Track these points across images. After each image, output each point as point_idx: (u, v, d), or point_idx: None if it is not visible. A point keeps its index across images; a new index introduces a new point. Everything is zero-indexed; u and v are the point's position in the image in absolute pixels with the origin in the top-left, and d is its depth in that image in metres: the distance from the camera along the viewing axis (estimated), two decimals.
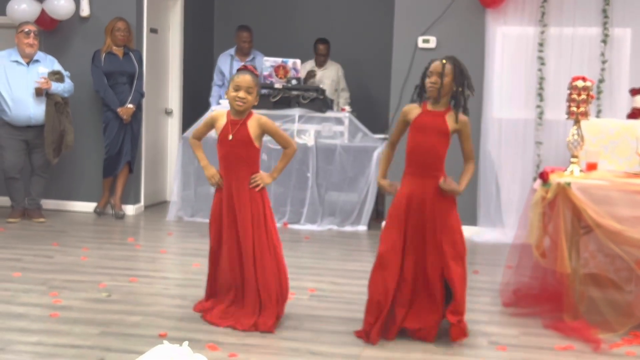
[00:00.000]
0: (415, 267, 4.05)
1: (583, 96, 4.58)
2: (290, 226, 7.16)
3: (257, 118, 4.25)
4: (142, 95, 7.47)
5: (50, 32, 7.52)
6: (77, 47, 7.55)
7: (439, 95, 3.98)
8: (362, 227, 7.14)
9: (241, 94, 4.17)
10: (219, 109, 7.36)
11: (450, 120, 4.01)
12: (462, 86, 4.00)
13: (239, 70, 4.29)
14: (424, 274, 4.04)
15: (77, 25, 7.55)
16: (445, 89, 3.98)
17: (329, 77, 8.39)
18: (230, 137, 4.20)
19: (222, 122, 4.26)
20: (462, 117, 4.01)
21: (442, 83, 3.95)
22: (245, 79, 4.18)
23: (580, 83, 4.59)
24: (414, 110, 4.10)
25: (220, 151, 4.28)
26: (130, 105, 7.29)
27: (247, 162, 4.25)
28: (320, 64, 8.40)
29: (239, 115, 4.23)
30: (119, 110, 7.24)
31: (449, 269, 3.97)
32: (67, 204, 7.68)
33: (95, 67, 7.28)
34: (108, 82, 7.27)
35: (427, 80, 4.01)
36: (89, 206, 7.63)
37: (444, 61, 3.99)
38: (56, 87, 6.91)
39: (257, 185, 4.24)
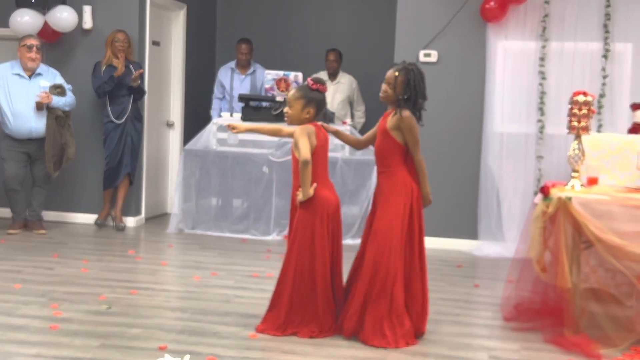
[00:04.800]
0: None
1: (584, 111, 4.59)
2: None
3: (300, 128, 4.28)
4: (144, 92, 7.47)
5: (53, 45, 7.55)
6: (80, 60, 7.57)
7: (387, 102, 4.27)
8: None
9: (285, 108, 4.37)
10: (224, 122, 7.40)
11: (390, 119, 4.21)
12: (409, 95, 4.18)
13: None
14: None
15: (80, 37, 7.58)
16: (391, 98, 4.23)
17: (343, 91, 8.31)
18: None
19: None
20: (404, 115, 4.17)
21: (391, 92, 4.22)
22: (288, 94, 4.36)
23: (581, 98, 4.60)
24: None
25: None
26: (140, 71, 7.23)
27: (296, 174, 4.35)
28: (332, 74, 8.36)
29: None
30: (132, 83, 7.14)
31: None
32: (68, 216, 7.68)
33: (94, 78, 7.29)
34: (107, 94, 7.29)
35: (382, 86, 4.27)
36: (89, 218, 7.63)
37: (397, 73, 4.19)
38: (57, 101, 6.92)
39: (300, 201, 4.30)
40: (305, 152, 4.20)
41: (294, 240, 4.32)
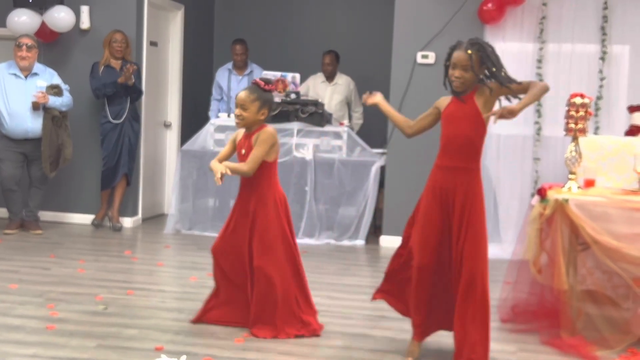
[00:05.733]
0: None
1: (581, 113, 4.60)
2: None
3: (262, 131, 4.21)
4: (141, 92, 7.46)
5: (50, 45, 7.54)
6: (77, 60, 7.56)
7: (464, 87, 3.72)
8: (360, 242, 7.14)
9: (237, 110, 4.21)
10: (221, 123, 7.41)
11: (479, 98, 3.71)
12: (489, 69, 3.66)
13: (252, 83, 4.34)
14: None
15: (77, 37, 7.57)
16: (474, 79, 3.69)
17: (340, 92, 8.30)
18: (243, 151, 4.24)
19: (239, 137, 4.33)
20: (491, 84, 3.67)
21: (469, 75, 3.67)
22: (241, 96, 4.20)
23: (578, 100, 4.61)
24: (444, 101, 3.88)
25: None
26: (133, 67, 7.20)
27: (257, 176, 4.21)
28: (329, 77, 8.37)
29: (248, 130, 4.27)
30: (119, 79, 7.13)
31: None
32: (65, 216, 7.67)
33: (92, 79, 7.29)
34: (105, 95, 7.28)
35: (451, 73, 3.73)
36: (86, 218, 7.63)
37: (470, 51, 3.65)
38: (54, 101, 6.91)
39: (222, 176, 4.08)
40: (255, 164, 4.14)
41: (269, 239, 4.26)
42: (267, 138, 4.19)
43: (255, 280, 4.24)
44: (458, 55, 3.68)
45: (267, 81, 4.29)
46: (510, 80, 3.67)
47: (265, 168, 4.23)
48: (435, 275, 3.87)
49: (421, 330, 4.02)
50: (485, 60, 3.65)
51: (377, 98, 4.08)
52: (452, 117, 3.78)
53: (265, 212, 4.23)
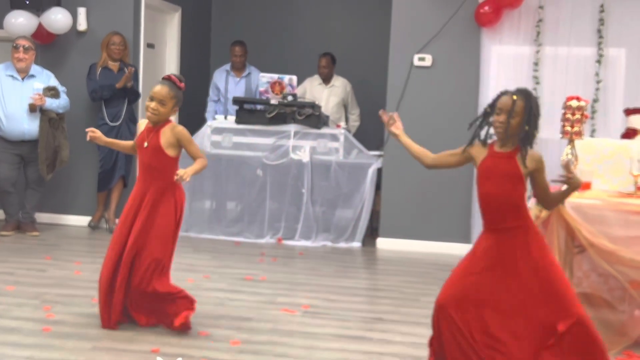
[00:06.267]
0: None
1: (577, 116, 4.61)
2: (284, 242, 7.15)
3: (172, 126, 4.26)
4: (138, 95, 7.46)
5: (47, 46, 7.54)
6: (74, 62, 7.56)
7: (505, 136, 3.48)
8: (357, 244, 7.14)
9: (153, 104, 4.22)
10: (219, 125, 7.41)
11: (521, 162, 3.47)
12: (530, 125, 3.46)
13: (162, 79, 4.32)
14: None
15: (74, 39, 7.57)
16: (513, 129, 3.46)
17: (337, 94, 8.29)
18: (146, 144, 4.26)
19: (140, 129, 4.36)
20: (533, 153, 3.48)
21: (509, 123, 3.44)
22: (160, 91, 4.21)
23: (574, 103, 4.61)
24: (480, 151, 3.61)
25: (139, 158, 4.34)
26: (131, 70, 7.23)
27: (159, 170, 4.25)
28: (325, 79, 8.37)
29: (154, 124, 4.29)
30: (117, 84, 7.14)
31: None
32: (62, 218, 7.66)
33: (89, 80, 7.29)
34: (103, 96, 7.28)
35: (495, 118, 3.50)
36: (83, 220, 7.62)
37: (515, 97, 3.46)
38: (50, 103, 6.90)
39: (180, 179, 4.11)
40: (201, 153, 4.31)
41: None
42: (188, 135, 4.28)
43: (135, 268, 4.24)
44: (504, 99, 3.49)
45: (182, 79, 4.34)
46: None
47: (170, 162, 4.26)
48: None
49: None
50: (531, 114, 3.46)
51: (398, 130, 3.94)
52: (489, 174, 3.53)
53: (163, 205, 4.25)
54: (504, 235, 3.48)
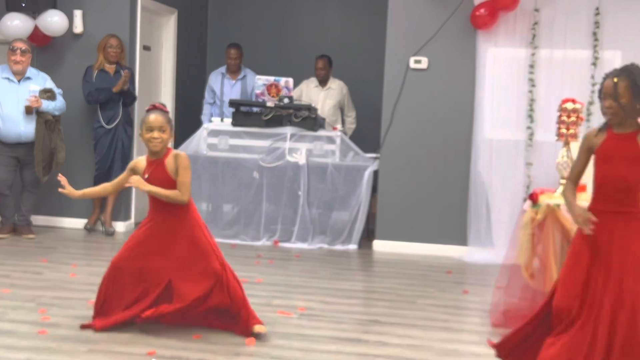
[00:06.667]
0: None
1: (573, 118, 4.62)
2: (280, 244, 7.15)
3: (175, 154, 4.32)
4: (134, 98, 7.45)
5: (43, 49, 7.53)
6: (70, 64, 7.55)
7: (618, 119, 3.39)
8: (353, 246, 7.15)
9: (155, 134, 4.27)
10: (215, 127, 7.41)
11: None
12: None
13: (148, 110, 4.37)
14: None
15: (70, 42, 7.57)
16: (626, 110, 3.36)
17: (333, 97, 8.28)
18: (146, 175, 4.28)
19: (141, 165, 4.36)
20: None
21: (619, 105, 3.35)
22: (157, 119, 4.28)
23: (570, 105, 4.63)
24: (598, 135, 3.50)
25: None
26: (127, 73, 7.24)
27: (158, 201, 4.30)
28: (322, 81, 8.37)
29: (156, 156, 4.32)
30: (114, 88, 7.14)
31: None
32: (57, 220, 7.65)
33: (85, 82, 7.29)
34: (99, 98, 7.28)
35: (603, 104, 3.43)
36: (79, 223, 7.61)
37: (615, 79, 3.35)
38: (47, 105, 6.90)
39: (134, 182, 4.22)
40: (189, 191, 4.30)
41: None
42: (188, 163, 4.31)
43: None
44: (606, 84, 3.40)
45: (164, 105, 4.47)
46: None
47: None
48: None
49: None
50: (636, 91, 3.34)
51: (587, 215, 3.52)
52: (608, 156, 3.43)
53: (191, 230, 4.35)
54: (611, 217, 3.39)
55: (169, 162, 4.28)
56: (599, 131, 3.50)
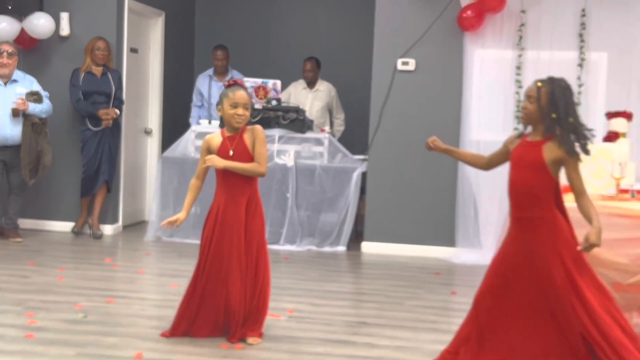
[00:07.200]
0: None
1: None
2: (269, 246, 7.11)
3: (251, 128, 4.28)
4: (122, 102, 7.44)
5: (30, 51, 7.50)
6: (57, 67, 7.52)
7: (531, 122, 3.52)
8: (341, 248, 7.15)
9: (240, 110, 4.20)
10: (202, 130, 7.39)
11: (547, 150, 3.48)
12: (558, 112, 3.43)
13: (230, 85, 4.27)
14: None
15: (57, 44, 7.54)
16: (533, 115, 3.49)
17: (322, 99, 8.29)
18: (231, 152, 4.23)
19: (217, 141, 4.28)
20: (557, 144, 3.46)
21: (535, 108, 3.47)
22: (243, 96, 4.21)
23: None
24: (514, 142, 3.68)
25: (220, 170, 4.25)
26: (116, 111, 7.26)
27: (248, 177, 4.26)
28: (310, 83, 8.37)
29: (235, 131, 4.27)
30: (100, 112, 7.16)
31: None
32: (45, 224, 7.62)
33: (72, 86, 7.26)
34: (86, 101, 7.25)
35: (522, 105, 3.57)
36: (66, 226, 7.58)
37: (539, 84, 3.49)
38: (33, 107, 6.87)
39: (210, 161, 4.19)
40: (266, 163, 4.30)
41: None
42: (264, 136, 4.28)
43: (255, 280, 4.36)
44: (529, 86, 3.55)
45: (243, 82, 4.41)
46: (578, 135, 3.45)
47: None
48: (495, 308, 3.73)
49: None
50: (555, 100, 3.44)
51: (444, 146, 3.95)
52: (516, 162, 3.63)
53: (259, 213, 4.33)
54: (522, 225, 3.61)
55: (247, 137, 4.25)
56: (516, 137, 3.67)
